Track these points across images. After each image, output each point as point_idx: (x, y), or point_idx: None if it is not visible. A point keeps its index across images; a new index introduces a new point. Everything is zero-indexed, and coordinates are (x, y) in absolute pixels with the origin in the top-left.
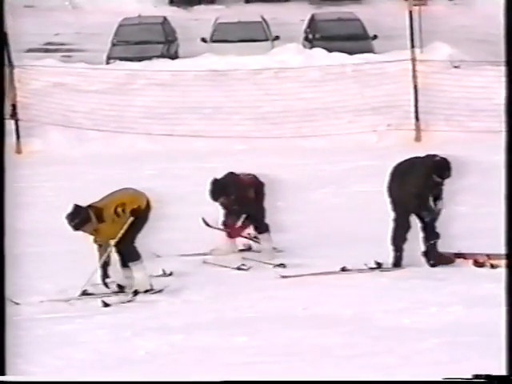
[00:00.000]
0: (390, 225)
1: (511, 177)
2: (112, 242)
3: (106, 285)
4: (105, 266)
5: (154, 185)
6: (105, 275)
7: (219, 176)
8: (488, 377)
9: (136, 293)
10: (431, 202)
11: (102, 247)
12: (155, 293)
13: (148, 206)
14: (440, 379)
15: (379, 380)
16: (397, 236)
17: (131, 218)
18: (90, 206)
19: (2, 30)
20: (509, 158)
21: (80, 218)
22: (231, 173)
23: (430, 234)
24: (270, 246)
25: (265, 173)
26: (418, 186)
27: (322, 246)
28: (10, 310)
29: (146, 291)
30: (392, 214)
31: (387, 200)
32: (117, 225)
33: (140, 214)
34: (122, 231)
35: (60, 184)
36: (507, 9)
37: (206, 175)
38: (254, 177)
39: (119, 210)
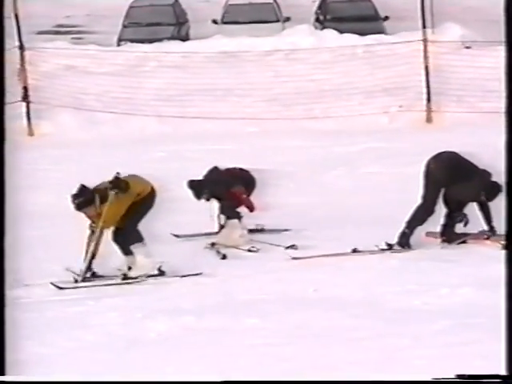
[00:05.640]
0: (416, 204)
1: (511, 177)
2: (110, 228)
3: (85, 278)
4: (92, 257)
5: (165, 167)
6: (89, 267)
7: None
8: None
9: (137, 277)
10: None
11: (94, 235)
12: (158, 275)
13: (152, 193)
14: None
15: (380, 380)
16: (417, 216)
17: (131, 201)
18: (95, 189)
19: (2, 14)
20: (509, 157)
21: (84, 198)
22: (215, 168)
23: (457, 215)
24: (236, 232)
25: (275, 155)
26: (472, 193)
27: (333, 228)
28: (20, 292)
29: (150, 276)
30: (421, 194)
31: (421, 180)
32: (118, 207)
33: (143, 199)
34: (122, 213)
35: (70, 166)
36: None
37: (216, 157)
38: (239, 170)
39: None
